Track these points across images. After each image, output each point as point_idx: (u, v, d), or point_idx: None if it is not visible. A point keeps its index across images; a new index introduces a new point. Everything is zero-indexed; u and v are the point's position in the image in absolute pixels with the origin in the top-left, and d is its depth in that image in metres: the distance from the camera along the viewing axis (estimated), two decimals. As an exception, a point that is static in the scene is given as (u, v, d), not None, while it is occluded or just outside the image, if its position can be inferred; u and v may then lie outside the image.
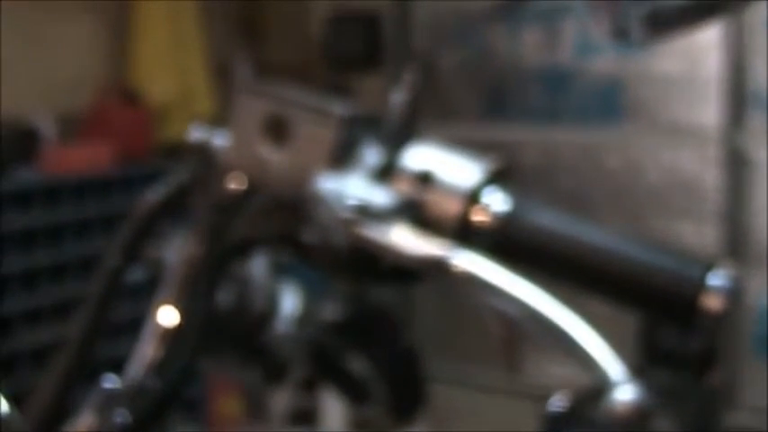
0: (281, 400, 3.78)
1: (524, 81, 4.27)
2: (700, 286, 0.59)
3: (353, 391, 1.07)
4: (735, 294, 0.59)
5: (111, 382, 0.78)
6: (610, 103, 4.10)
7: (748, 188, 3.89)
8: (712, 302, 0.58)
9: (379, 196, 0.61)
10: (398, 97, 0.68)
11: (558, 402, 2.25)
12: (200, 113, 4.03)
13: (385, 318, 0.91)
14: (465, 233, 0.62)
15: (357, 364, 1.05)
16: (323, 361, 0.97)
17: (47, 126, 3.53)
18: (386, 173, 0.64)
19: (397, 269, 0.62)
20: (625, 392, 0.53)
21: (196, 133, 0.72)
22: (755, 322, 3.67)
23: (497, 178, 0.64)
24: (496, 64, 4.35)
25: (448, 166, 0.64)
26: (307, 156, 0.64)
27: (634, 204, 4.08)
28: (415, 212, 0.62)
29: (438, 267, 0.58)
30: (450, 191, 0.63)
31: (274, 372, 1.02)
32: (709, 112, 3.91)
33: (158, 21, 3.88)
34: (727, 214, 3.90)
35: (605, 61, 4.00)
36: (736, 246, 3.90)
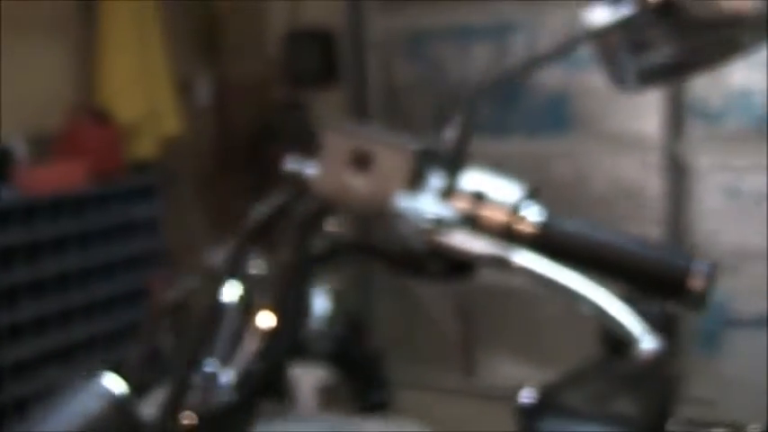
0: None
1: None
2: (688, 270, 0.79)
3: (363, 377, 1.23)
4: (714, 275, 0.79)
5: (211, 366, 0.96)
6: (557, 116, 4.31)
7: (688, 194, 4.13)
8: (698, 282, 0.78)
9: (447, 211, 0.80)
10: (451, 132, 0.87)
11: (528, 395, 2.53)
12: (167, 131, 4.17)
13: (356, 324, 1.10)
14: (510, 238, 0.81)
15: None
16: (341, 352, 1.15)
17: (19, 146, 3.64)
18: (447, 193, 0.83)
19: (458, 267, 0.81)
20: (648, 343, 0.72)
21: (290, 164, 0.89)
22: (700, 319, 3.91)
23: (532, 195, 0.84)
24: (448, 79, 4.53)
25: (495, 186, 0.84)
26: (387, 181, 0.83)
27: (581, 211, 4.29)
28: (472, 223, 0.81)
29: (500, 263, 0.76)
30: (498, 206, 0.82)
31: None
32: (650, 122, 4.14)
33: (125, 41, 4.00)
34: (669, 219, 4.13)
35: (552, 75, 4.20)
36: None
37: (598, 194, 4.26)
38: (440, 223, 0.79)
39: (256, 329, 0.94)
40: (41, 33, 3.89)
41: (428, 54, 4.59)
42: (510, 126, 4.42)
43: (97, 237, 3.72)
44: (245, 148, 4.95)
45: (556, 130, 4.34)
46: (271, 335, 0.93)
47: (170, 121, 4.18)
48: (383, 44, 4.75)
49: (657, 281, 0.80)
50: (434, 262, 0.81)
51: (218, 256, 1.06)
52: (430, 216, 0.79)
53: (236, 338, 0.94)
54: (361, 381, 1.22)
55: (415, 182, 0.83)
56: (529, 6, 4.27)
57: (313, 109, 5.02)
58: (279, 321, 0.92)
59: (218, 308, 0.92)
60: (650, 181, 4.17)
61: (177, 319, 1.04)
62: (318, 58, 4.92)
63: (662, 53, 0.86)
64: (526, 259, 0.77)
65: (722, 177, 4.07)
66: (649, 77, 0.89)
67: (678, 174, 4.13)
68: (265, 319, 0.93)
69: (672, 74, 0.89)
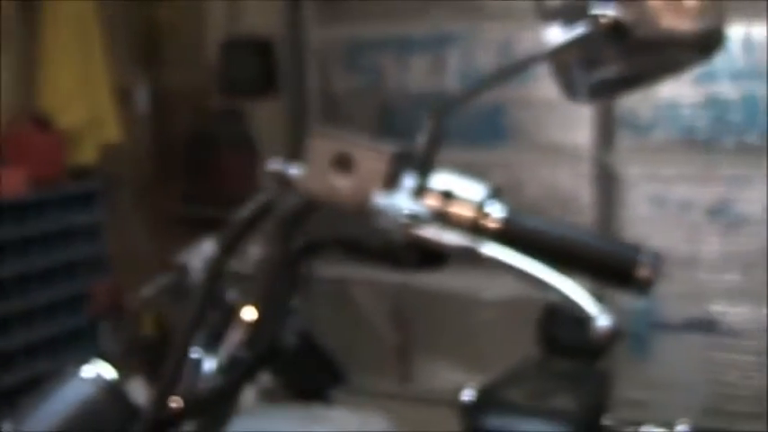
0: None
1: (413, 105, 4.54)
2: (637, 260, 0.88)
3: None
4: (659, 265, 0.89)
5: (197, 353, 1.03)
6: (493, 126, 4.42)
7: (618, 202, 4.27)
8: (646, 271, 0.88)
9: (420, 208, 0.89)
10: (423, 138, 0.96)
11: (469, 393, 2.66)
12: (107, 138, 4.20)
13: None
14: (477, 232, 0.90)
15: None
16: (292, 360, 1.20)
17: (-39, 152, 3.64)
18: (420, 192, 0.92)
19: (432, 258, 0.90)
20: (604, 320, 0.82)
21: (273, 165, 0.96)
22: (631, 323, 4.05)
23: (495, 194, 0.93)
24: (387, 89, 4.61)
25: (461, 186, 0.93)
26: (367, 181, 0.91)
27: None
28: (443, 219, 0.90)
29: (469, 253, 0.85)
30: (465, 203, 0.91)
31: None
32: (582, 133, 4.28)
33: (66, 47, 4.02)
34: (600, 226, 4.26)
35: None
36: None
37: (532, 203, 4.37)
38: (415, 218, 0.87)
39: (241, 322, 1.01)
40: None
41: (367, 64, 4.66)
42: (448, 135, 4.50)
43: (37, 243, 3.73)
44: (182, 154, 4.98)
45: (492, 140, 4.44)
46: (254, 327, 1.00)
47: (110, 129, 4.21)
48: (322, 53, 4.80)
49: (610, 270, 0.89)
50: (411, 253, 0.89)
51: (190, 255, 1.13)
52: (406, 212, 0.88)
53: (222, 330, 1.01)
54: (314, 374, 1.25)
55: (392, 182, 0.91)
56: (466, 19, 4.38)
57: (251, 117, 5.05)
58: (262, 314, 1.00)
59: (205, 301, 0.99)
60: (582, 190, 4.30)
61: (157, 313, 1.11)
62: (256, 66, 4.91)
63: (611, 69, 0.95)
64: (493, 250, 0.86)
65: (650, 187, 4.22)
66: (599, 91, 0.99)
67: (608, 183, 4.27)
68: (249, 313, 1.01)
69: (619, 88, 0.99)
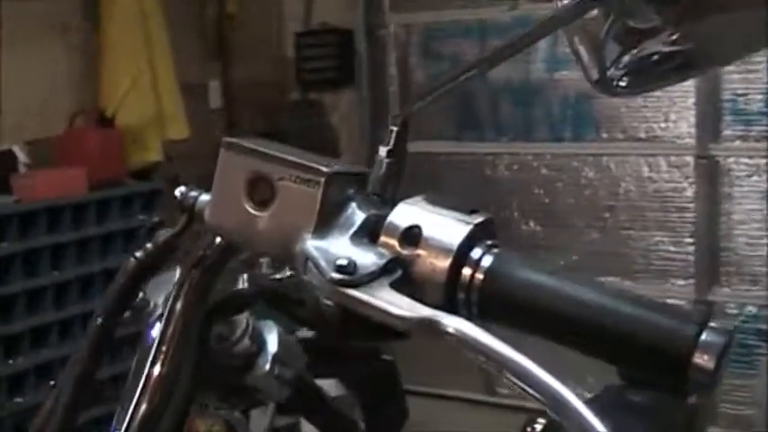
0: (262, 420, 3.75)
1: (496, 96, 4.27)
2: (692, 344, 0.58)
3: (335, 425, 1.06)
4: (727, 348, 0.58)
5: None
6: (580, 116, 4.11)
7: (723, 197, 3.91)
8: (705, 361, 0.58)
9: (367, 256, 0.61)
10: (384, 152, 0.67)
11: (538, 425, 2.23)
12: (173, 135, 4.01)
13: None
14: (453, 289, 0.62)
15: (338, 398, 1.05)
16: (305, 396, 0.97)
17: (20, 152, 3.50)
18: (372, 231, 0.63)
19: (380, 330, 0.61)
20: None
21: (181, 191, 0.70)
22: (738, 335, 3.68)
23: (483, 232, 0.64)
24: (468, 79, 4.34)
25: (434, 221, 0.64)
26: (292, 214, 0.63)
27: (610, 216, 4.10)
28: (404, 270, 0.62)
29: (427, 329, 0.57)
30: (437, 247, 0.62)
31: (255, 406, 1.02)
32: (684, 122, 3.93)
33: (128, 44, 3.84)
34: (703, 224, 3.91)
35: (576, 74, 3.99)
36: (711, 255, 3.92)
37: (627, 199, 4.05)
38: (352, 271, 0.59)
39: (150, 381, 0.75)
40: (44, 37, 3.76)
41: (446, 51, 4.41)
42: (532, 127, 4.23)
43: (97, 245, 3.56)
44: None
45: (581, 132, 4.13)
46: (161, 390, 0.73)
47: (176, 125, 4.02)
48: (400, 41, 4.57)
49: (647, 354, 0.59)
50: (345, 323, 0.61)
51: (152, 288, 0.87)
52: (340, 261, 0.59)
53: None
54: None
55: (327, 216, 0.63)
56: (550, 2, 4.06)
57: (329, 109, 4.87)
58: (171, 375, 0.73)
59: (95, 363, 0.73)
60: (684, 184, 3.96)
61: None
62: (334, 56, 4.77)
63: (659, 43, 0.65)
64: (461, 324, 0.56)
65: (759, 180, 3.85)
66: (642, 76, 0.68)
67: (713, 176, 3.91)
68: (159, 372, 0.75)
69: (668, 73, 0.68)
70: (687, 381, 0.58)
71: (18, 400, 3.26)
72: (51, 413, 0.76)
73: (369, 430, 0.97)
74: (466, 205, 0.64)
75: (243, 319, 0.84)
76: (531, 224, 4.26)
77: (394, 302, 0.58)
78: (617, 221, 4.08)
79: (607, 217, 4.09)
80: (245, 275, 0.79)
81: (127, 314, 0.85)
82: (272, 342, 0.90)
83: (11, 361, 3.27)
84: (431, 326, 0.56)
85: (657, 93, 3.87)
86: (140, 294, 0.86)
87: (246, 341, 0.90)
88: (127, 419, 0.72)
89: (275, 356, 0.91)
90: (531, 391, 0.53)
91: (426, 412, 3.50)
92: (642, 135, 4.01)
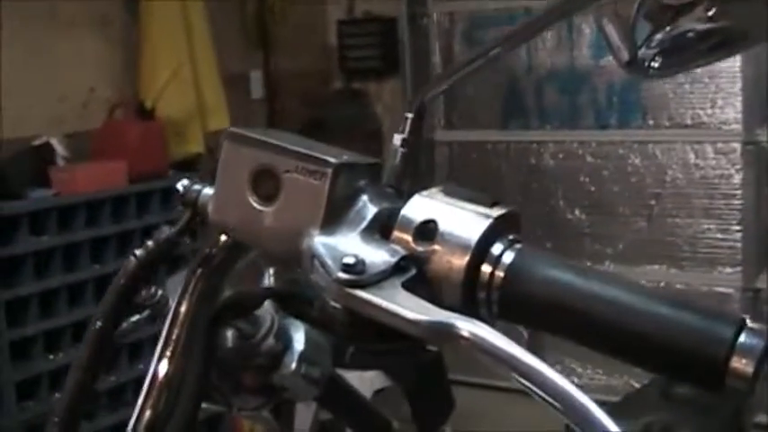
0: (307, 414, 3.73)
1: (542, 83, 4.21)
2: (729, 347, 0.53)
3: (368, 424, 1.04)
4: (763, 354, 0.53)
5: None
6: (626, 103, 4.04)
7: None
8: (743, 366, 0.52)
9: (377, 253, 0.56)
10: (399, 140, 0.63)
11: None
12: (215, 127, 3.99)
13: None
14: (472, 288, 0.57)
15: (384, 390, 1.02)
16: (335, 395, 0.94)
17: (59, 145, 3.49)
18: (386, 226, 0.59)
19: (394, 335, 0.56)
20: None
21: (183, 184, 0.66)
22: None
23: (505, 226, 0.59)
24: (512, 65, 4.30)
25: (452, 215, 0.59)
26: (299, 209, 0.59)
27: (656, 204, 4.02)
28: (418, 268, 0.57)
29: (439, 333, 0.52)
30: (454, 243, 0.58)
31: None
32: (730, 108, 3.84)
33: (169, 35, 3.83)
34: (750, 211, 3.83)
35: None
36: (758, 241, 3.83)
37: (675, 187, 3.97)
38: (360, 272, 0.54)
39: (156, 385, 0.71)
40: (82, 28, 3.75)
41: (489, 39, 4.34)
42: (579, 117, 4.16)
43: (137, 238, 3.54)
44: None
45: (627, 119, 4.06)
46: (167, 394, 0.70)
47: (218, 116, 4.00)
48: (443, 30, 4.52)
49: (679, 359, 0.54)
50: (354, 327, 0.57)
51: (171, 285, 0.84)
52: (348, 260, 0.55)
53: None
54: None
55: (335, 211, 0.59)
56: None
57: (374, 98, 4.84)
58: (176, 378, 0.69)
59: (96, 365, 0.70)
60: (731, 171, 3.87)
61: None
62: (378, 44, 4.74)
63: (694, 20, 0.60)
64: (479, 329, 0.52)
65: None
66: (676, 56, 0.63)
67: (762, 163, 3.81)
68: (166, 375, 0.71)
69: (708, 50, 0.62)
70: (724, 386, 0.53)
71: (58, 395, 3.26)
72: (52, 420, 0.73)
73: (415, 421, 0.95)
74: (487, 197, 0.59)
75: (267, 316, 0.81)
76: (577, 213, 4.20)
77: (405, 304, 0.53)
78: (663, 209, 4.00)
79: (653, 205, 4.02)
80: (271, 270, 0.75)
81: (140, 316, 0.82)
82: (299, 340, 0.87)
83: (51, 356, 3.27)
84: (444, 330, 0.52)
85: (704, 79, 3.79)
86: (159, 293, 0.82)
87: (271, 340, 0.87)
88: (132, 424, 0.68)
89: (302, 355, 0.88)
90: (550, 400, 0.49)
91: (474, 402, 3.47)
92: (688, 122, 3.93)
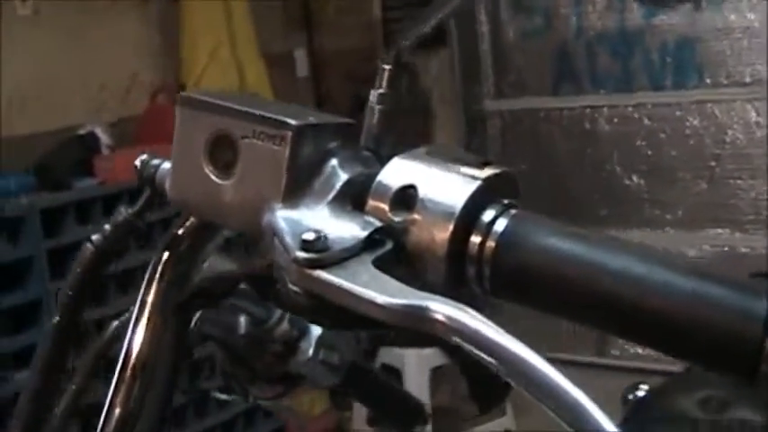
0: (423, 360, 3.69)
1: (592, 46, 4.09)
2: (764, 327, 0.44)
3: (397, 409, 1.00)
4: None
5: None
6: (683, 62, 3.90)
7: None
8: None
9: (346, 227, 0.48)
10: (375, 96, 0.55)
11: (638, 390, 2.06)
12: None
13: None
14: (459, 262, 0.49)
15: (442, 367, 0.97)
16: (359, 381, 0.89)
17: (103, 134, 3.46)
18: (360, 195, 0.51)
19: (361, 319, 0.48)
20: None
21: (142, 159, 0.59)
22: None
23: (497, 189, 0.51)
24: (562, 31, 4.18)
25: (434, 178, 0.51)
26: (258, 179, 0.52)
27: (717, 166, 3.89)
28: (395, 242, 0.49)
29: (412, 318, 0.44)
30: (437, 210, 0.49)
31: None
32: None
33: (208, 15, 3.77)
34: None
35: (676, 18, 3.79)
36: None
37: (733, 147, 3.83)
38: (322, 249, 0.47)
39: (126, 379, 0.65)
40: (120, 13, 3.71)
41: (539, 4, 4.23)
42: (632, 79, 4.03)
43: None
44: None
45: (684, 79, 3.92)
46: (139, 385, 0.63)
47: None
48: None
49: (704, 341, 0.45)
50: (317, 312, 0.49)
51: None
52: (309, 235, 0.47)
53: None
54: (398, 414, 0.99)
55: (299, 180, 0.51)
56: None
57: (419, 72, 4.75)
58: (146, 369, 0.63)
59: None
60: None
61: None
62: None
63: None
64: (459, 312, 0.43)
65: None
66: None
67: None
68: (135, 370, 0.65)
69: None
70: (758, 372, 0.44)
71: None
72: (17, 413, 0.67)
73: (473, 399, 0.88)
74: (477, 157, 0.51)
75: None
76: (635, 178, 4.08)
77: (372, 286, 0.45)
78: (724, 171, 3.86)
79: (713, 167, 3.88)
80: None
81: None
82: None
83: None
84: (415, 314, 0.44)
85: (762, 34, 3.64)
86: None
87: (286, 325, 0.81)
88: (104, 415, 0.62)
89: (319, 340, 0.82)
90: (537, 393, 0.41)
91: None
92: (747, 79, 3.78)
